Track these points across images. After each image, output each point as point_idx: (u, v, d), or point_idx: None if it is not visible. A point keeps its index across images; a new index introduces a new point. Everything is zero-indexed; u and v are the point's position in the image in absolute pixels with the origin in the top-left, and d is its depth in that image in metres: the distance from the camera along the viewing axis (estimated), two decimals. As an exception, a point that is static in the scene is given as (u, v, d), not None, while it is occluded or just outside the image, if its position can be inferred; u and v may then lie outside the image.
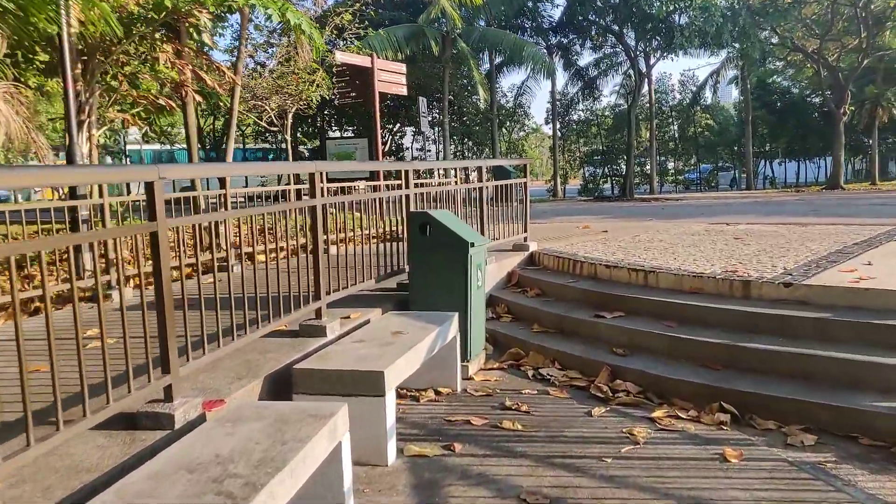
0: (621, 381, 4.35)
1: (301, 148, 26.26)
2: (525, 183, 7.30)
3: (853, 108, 27.42)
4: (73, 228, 5.44)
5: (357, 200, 6.21)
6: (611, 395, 4.18)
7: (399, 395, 4.17)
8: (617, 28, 27.16)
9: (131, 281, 5.33)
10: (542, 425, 3.71)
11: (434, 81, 23.90)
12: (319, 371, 3.16)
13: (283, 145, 24.81)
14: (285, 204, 3.86)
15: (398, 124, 27.30)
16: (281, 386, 3.26)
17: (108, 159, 24.62)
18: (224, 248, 5.63)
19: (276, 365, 3.36)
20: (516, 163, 7.86)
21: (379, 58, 12.27)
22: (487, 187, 6.95)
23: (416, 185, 8.29)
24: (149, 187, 2.50)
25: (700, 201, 19.81)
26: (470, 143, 29.09)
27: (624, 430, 3.61)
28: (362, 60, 10.32)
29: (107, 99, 6.44)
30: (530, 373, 4.71)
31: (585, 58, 31.48)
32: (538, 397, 4.21)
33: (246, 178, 22.81)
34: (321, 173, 9.87)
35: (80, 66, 6.29)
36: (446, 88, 23.80)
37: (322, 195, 4.23)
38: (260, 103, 11.36)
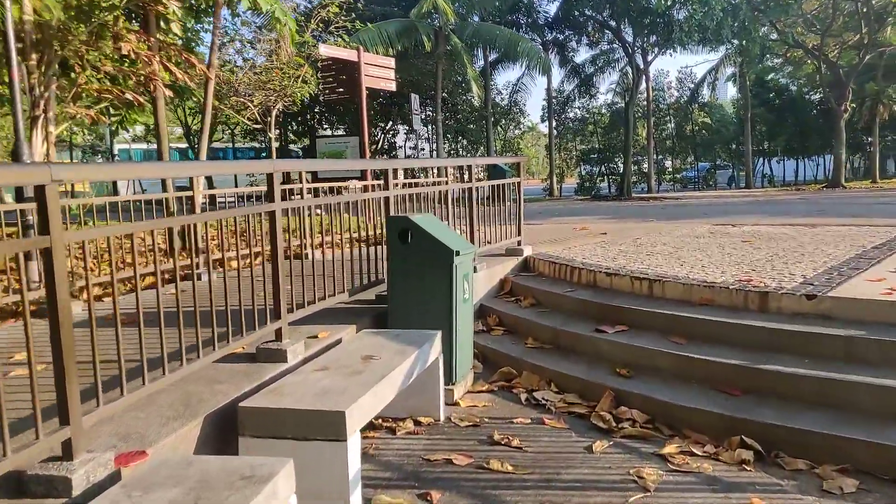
0: (626, 407, 3.84)
1: (291, 147, 25.70)
2: (518, 182, 6.80)
3: (854, 105, 26.96)
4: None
5: (333, 203, 5.66)
6: (614, 424, 3.68)
7: (372, 427, 3.66)
8: (614, 23, 26.65)
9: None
10: (535, 465, 3.20)
11: (427, 78, 23.36)
12: (269, 410, 2.65)
13: (274, 143, 24.31)
14: (232, 210, 3.33)
15: (391, 122, 26.76)
16: (225, 427, 2.74)
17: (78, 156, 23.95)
18: (187, 255, 5.13)
19: (223, 400, 2.84)
20: (509, 160, 7.36)
21: (369, 53, 11.77)
22: (479, 187, 6.44)
23: (404, 186, 7.82)
24: (39, 192, 1.99)
25: (700, 200, 19.33)
26: (465, 142, 28.56)
27: (631, 471, 3.10)
28: (348, 54, 9.81)
29: (66, 93, 5.92)
30: (523, 396, 4.21)
31: (582, 54, 31.12)
32: (532, 428, 3.71)
33: (235, 177, 22.28)
34: (303, 174, 9.39)
35: (34, 56, 5.77)
36: (439, 85, 23.25)
37: (289, 197, 3.71)
38: (242, 100, 10.83)
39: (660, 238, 7.89)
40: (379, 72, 10.36)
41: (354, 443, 2.64)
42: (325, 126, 26.96)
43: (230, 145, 26.94)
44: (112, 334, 2.43)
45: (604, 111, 35.37)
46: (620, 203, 19.64)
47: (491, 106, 28.25)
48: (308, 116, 25.46)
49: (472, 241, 5.87)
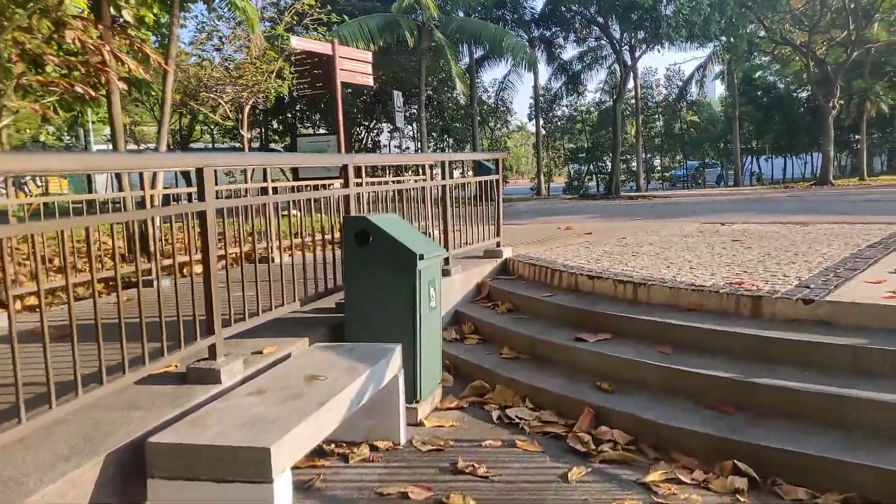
0: (607, 427, 3.46)
1: (273, 145, 25.16)
2: (497, 180, 6.41)
3: (842, 103, 26.78)
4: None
5: (281, 202, 5.23)
6: (593, 447, 3.30)
7: (322, 454, 3.26)
8: (601, 19, 26.31)
9: None
10: (501, 498, 2.82)
11: (411, 75, 22.89)
12: (183, 447, 2.25)
13: (254, 143, 23.79)
14: (153, 210, 2.93)
15: (375, 120, 26.28)
16: (133, 467, 2.34)
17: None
18: (135, 259, 4.71)
19: (136, 431, 2.43)
20: (488, 157, 6.96)
21: (344, 46, 11.34)
22: (455, 185, 6.06)
23: (371, 184, 7.36)
24: None
25: (688, 199, 19.04)
26: (450, 140, 28.15)
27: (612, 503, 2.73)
28: (322, 47, 9.37)
29: (3, 85, 5.47)
30: (495, 414, 3.82)
31: (569, 51, 30.77)
32: (502, 452, 3.32)
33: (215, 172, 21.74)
34: (253, 172, 8.93)
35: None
36: (423, 82, 22.80)
37: (230, 196, 3.30)
38: (212, 95, 10.37)
39: (646, 238, 7.53)
40: (355, 66, 9.93)
41: (283, 484, 2.24)
42: (307, 124, 26.44)
43: (210, 145, 26.36)
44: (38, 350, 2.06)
45: (592, 109, 35.06)
46: (608, 202, 19.30)
47: (477, 104, 27.84)
48: (289, 115, 24.94)
49: (445, 242, 5.48)
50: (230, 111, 10.96)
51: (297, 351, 3.56)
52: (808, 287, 4.21)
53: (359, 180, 4.72)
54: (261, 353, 3.43)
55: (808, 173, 37.64)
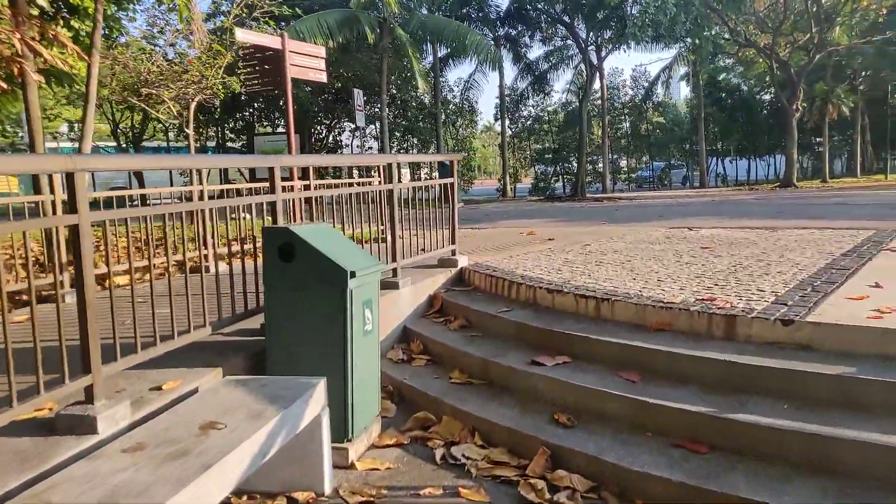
0: (564, 471, 3.02)
1: (230, 145, 24.32)
2: (452, 184, 5.94)
3: (804, 105, 26.97)
4: None
5: (176, 212, 4.65)
6: (548, 496, 2.85)
7: (229, 512, 2.75)
8: (567, 18, 26.06)
9: None
10: (437, 572, 2.35)
11: (373, 73, 22.29)
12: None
13: (209, 142, 22.96)
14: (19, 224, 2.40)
15: (335, 119, 25.61)
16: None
17: None
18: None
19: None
20: (442, 158, 6.50)
21: (295, 41, 10.75)
22: (434, 187, 5.59)
23: (306, 188, 6.88)
24: None
25: (655, 200, 18.83)
26: (414, 140, 27.60)
27: (565, 579, 2.27)
28: (270, 41, 8.80)
29: None
30: (440, 453, 3.35)
31: (535, 51, 30.50)
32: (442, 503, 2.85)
33: (170, 172, 20.95)
34: (209, 173, 8.39)
35: None
36: (385, 80, 22.21)
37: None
38: (153, 91, 9.69)
39: (611, 244, 7.14)
40: (307, 61, 9.37)
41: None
42: (266, 123, 25.64)
43: (165, 144, 25.40)
44: None
45: (559, 110, 34.85)
46: (574, 204, 18.95)
47: (441, 103, 27.37)
48: (247, 113, 24.14)
49: (393, 252, 5.00)
50: (175, 108, 10.29)
51: (206, 385, 3.04)
52: (786, 304, 3.83)
53: (296, 184, 4.21)
54: (160, 388, 2.90)
55: (771, 175, 38.02)
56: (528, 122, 33.69)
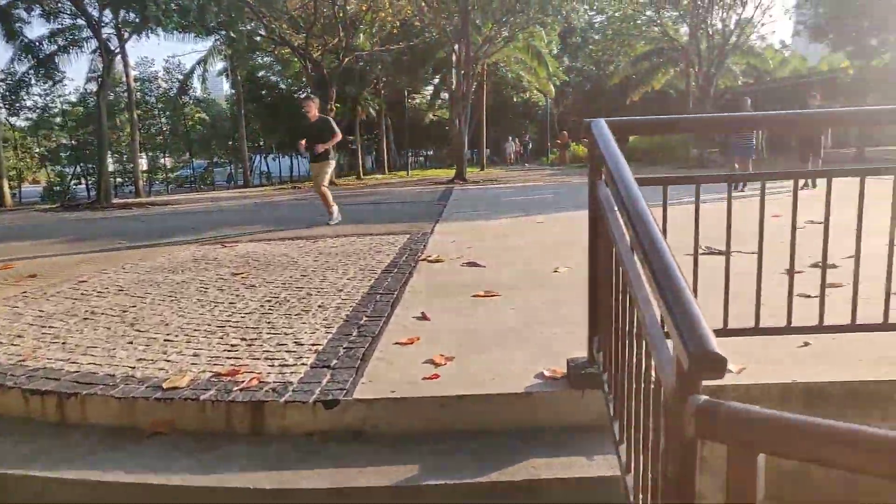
0: None
1: None
2: None
3: (339, 106, 28.48)
4: None
5: None
6: None
7: None
8: (74, -7, 22.03)
9: None
10: None
11: None
12: None
13: None
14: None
15: None
16: None
17: None
18: None
19: None
20: None
21: None
22: None
23: None
24: None
25: (192, 205, 17.06)
26: None
27: None
28: None
29: None
30: None
31: (38, 29, 25.23)
32: None
33: None
34: None
35: None
36: None
37: None
38: None
39: (117, 277, 5.42)
40: None
41: None
42: None
43: None
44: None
45: (79, 102, 29.78)
46: (94, 213, 15.67)
47: None
48: None
49: None
50: None
51: None
52: (329, 365, 2.89)
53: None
54: None
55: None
56: (35, 114, 27.84)
